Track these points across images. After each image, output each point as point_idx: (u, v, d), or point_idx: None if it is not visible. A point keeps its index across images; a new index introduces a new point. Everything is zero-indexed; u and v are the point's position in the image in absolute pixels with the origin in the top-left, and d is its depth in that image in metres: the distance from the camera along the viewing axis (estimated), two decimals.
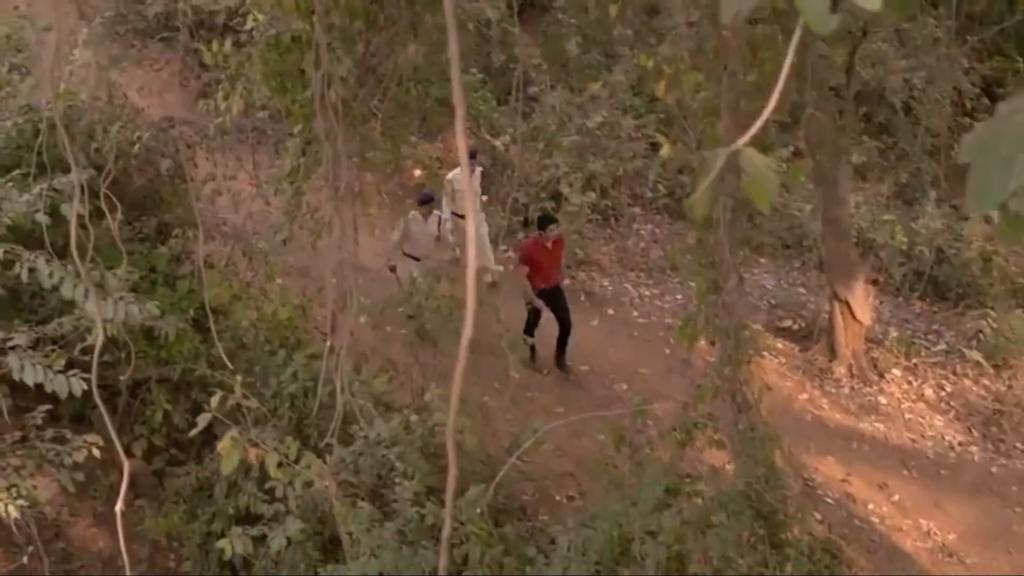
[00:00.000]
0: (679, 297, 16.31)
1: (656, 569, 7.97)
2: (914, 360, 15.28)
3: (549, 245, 13.56)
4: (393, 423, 9.70)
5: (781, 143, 16.67)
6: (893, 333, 15.56)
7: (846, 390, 14.50)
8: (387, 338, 11.85)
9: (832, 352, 14.80)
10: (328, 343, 8.41)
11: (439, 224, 14.51)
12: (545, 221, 13.74)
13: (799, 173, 8.64)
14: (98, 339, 5.98)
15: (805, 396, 14.18)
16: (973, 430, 14.18)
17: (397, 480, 9.03)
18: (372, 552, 8.34)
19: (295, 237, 10.44)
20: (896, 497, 12.75)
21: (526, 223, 17.57)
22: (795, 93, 8.23)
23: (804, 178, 15.61)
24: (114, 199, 7.10)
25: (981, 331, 15.71)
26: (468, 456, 10.05)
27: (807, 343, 15.30)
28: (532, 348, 13.79)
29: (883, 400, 14.43)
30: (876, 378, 14.79)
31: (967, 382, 15.01)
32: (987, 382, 15.05)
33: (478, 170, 15.88)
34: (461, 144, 1.91)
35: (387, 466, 9.43)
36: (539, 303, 13.63)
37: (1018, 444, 13.96)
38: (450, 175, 15.56)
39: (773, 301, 16.53)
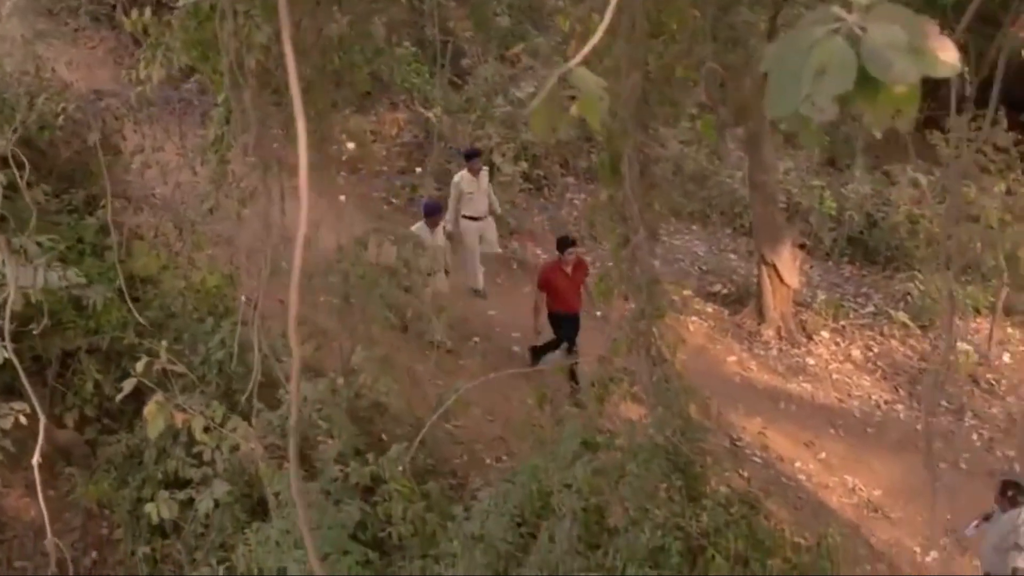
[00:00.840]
0: (610, 264, 16.51)
1: (573, 520, 8.16)
2: (842, 322, 15.59)
3: (568, 270, 12.77)
4: (320, 386, 9.84)
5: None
6: (821, 296, 15.86)
7: (774, 352, 14.78)
8: (316, 305, 11.95)
9: (761, 315, 15.07)
10: (254, 310, 8.55)
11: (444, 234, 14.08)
12: (563, 244, 12.88)
13: (708, 127, 8.81)
14: (9, 301, 6.06)
15: (734, 359, 14.44)
16: (899, 389, 14.51)
17: (322, 440, 9.18)
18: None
19: (221, 206, 10.49)
20: (823, 455, 13.05)
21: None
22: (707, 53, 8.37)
23: (733, 145, 15.94)
24: (40, 170, 7.17)
25: (909, 293, 16.06)
26: (395, 419, 10.21)
27: (737, 307, 15.57)
28: (572, 373, 12.37)
29: (811, 361, 14.73)
30: (804, 340, 15.09)
31: (894, 343, 15.34)
32: (914, 342, 15.39)
33: (484, 171, 15.32)
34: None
35: (313, 428, 9.58)
36: (542, 329, 13.06)
37: (943, 402, 14.29)
38: (456, 177, 15.17)
39: (704, 267, 16.80)
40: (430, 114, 18.62)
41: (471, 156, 15.19)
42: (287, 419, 9.55)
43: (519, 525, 8.52)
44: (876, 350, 15.16)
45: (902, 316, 15.32)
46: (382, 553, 8.94)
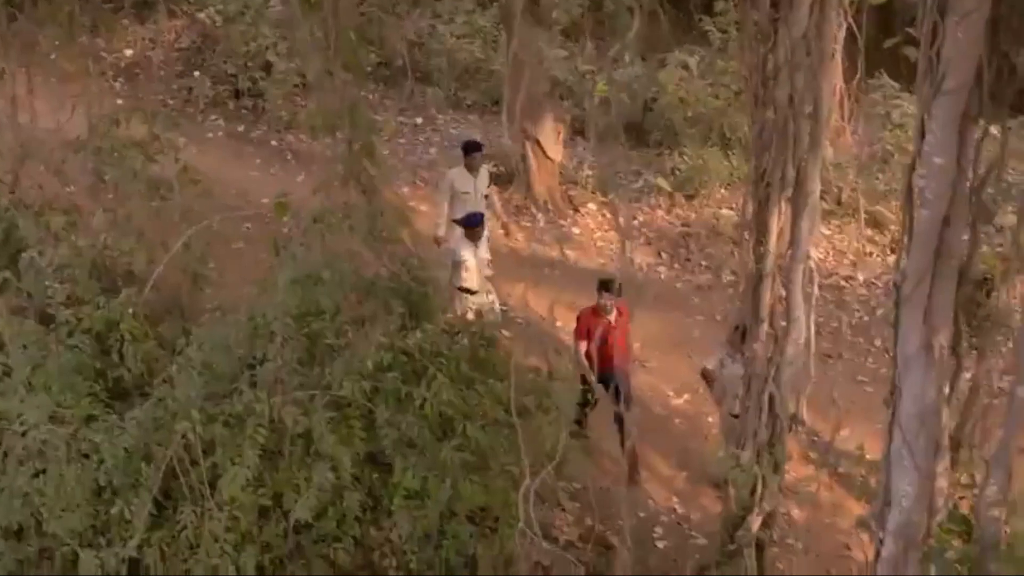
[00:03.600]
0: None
1: (288, 341, 8.29)
2: (611, 196, 15.97)
3: (612, 320, 10.77)
4: (62, 249, 9.87)
5: None
6: (588, 172, 16.22)
7: (541, 224, 15.16)
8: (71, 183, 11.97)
9: (528, 190, 15.38)
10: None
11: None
12: (603, 287, 10.82)
13: None
14: None
15: (502, 232, 14.65)
16: (662, 253, 15.02)
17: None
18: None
19: None
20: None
21: (237, 94, 17.77)
22: None
23: None
24: None
25: (677, 168, 16.52)
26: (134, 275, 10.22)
27: (507, 186, 15.82)
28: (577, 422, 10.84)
29: (577, 231, 15.13)
30: (571, 212, 15.51)
31: (659, 212, 15.83)
32: (679, 211, 15.90)
33: (484, 169, 13.29)
34: None
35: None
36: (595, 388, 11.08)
37: (703, 262, 14.84)
38: (449, 173, 13.29)
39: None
40: (202, 15, 18.58)
41: (470, 149, 13.08)
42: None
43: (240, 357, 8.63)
44: (641, 219, 15.62)
45: (662, 182, 15.77)
46: (117, 394, 9.01)
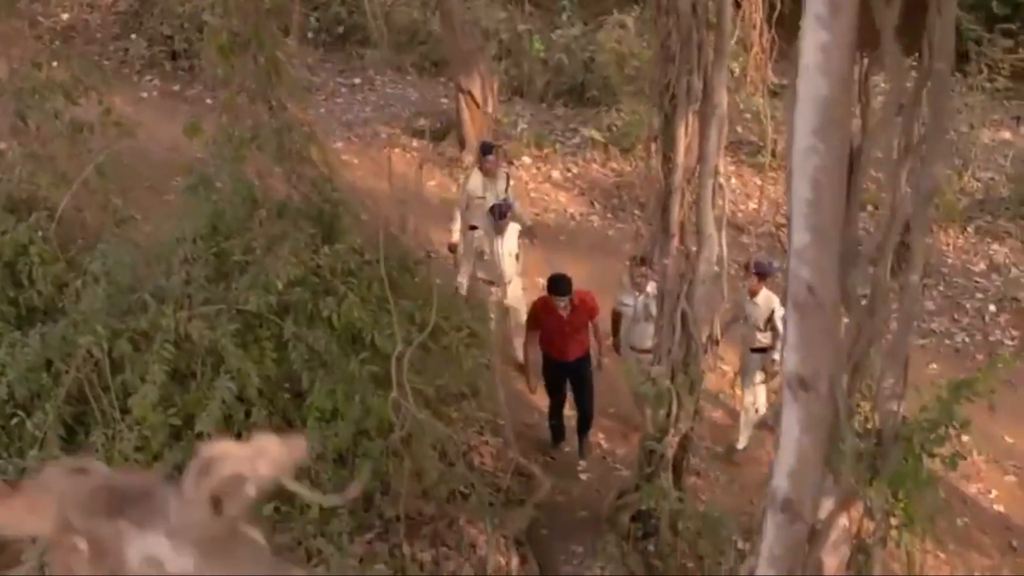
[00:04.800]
0: None
1: (196, 259, 8.24)
2: (546, 151, 16.02)
3: (564, 313, 10.35)
4: None
5: None
6: (524, 126, 16.24)
7: None
8: None
9: (461, 143, 15.37)
10: None
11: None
12: (551, 286, 10.42)
13: None
14: None
15: (434, 182, 14.67)
16: (595, 203, 15.04)
17: None
18: None
19: None
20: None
21: (173, 56, 17.70)
22: None
23: None
24: None
25: (614, 124, 16.56)
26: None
27: (442, 140, 15.82)
28: (552, 429, 11.03)
29: (511, 182, 15.08)
30: (505, 165, 15.44)
31: (594, 165, 15.86)
32: (614, 164, 15.93)
33: (502, 172, 12.62)
34: None
35: None
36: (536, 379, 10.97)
37: (636, 211, 14.88)
38: (465, 178, 12.86)
39: (414, 109, 16.99)
40: None
41: (484, 151, 12.34)
42: None
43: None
44: (576, 171, 15.65)
45: (596, 134, 15.80)
46: (29, 318, 8.96)
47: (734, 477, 10.55)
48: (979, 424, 11.73)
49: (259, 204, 8.79)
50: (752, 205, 15.04)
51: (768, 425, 10.44)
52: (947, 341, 12.89)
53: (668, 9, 8.02)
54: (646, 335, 10.12)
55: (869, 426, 7.36)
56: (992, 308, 13.67)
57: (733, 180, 14.92)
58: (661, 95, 8.33)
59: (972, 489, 11.09)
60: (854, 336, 6.29)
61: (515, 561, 9.14)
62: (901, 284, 7.10)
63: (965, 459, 11.11)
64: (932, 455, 6.99)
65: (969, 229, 15.11)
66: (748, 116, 15.73)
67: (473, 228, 11.91)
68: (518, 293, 11.80)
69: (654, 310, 9.74)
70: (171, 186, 13.94)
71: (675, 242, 8.75)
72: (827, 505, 7.65)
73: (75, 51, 17.53)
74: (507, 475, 9.71)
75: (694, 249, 8.77)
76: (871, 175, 7.70)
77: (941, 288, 13.93)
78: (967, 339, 13.01)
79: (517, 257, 11.65)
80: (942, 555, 10.09)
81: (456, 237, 12.21)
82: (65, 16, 19.06)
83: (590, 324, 10.66)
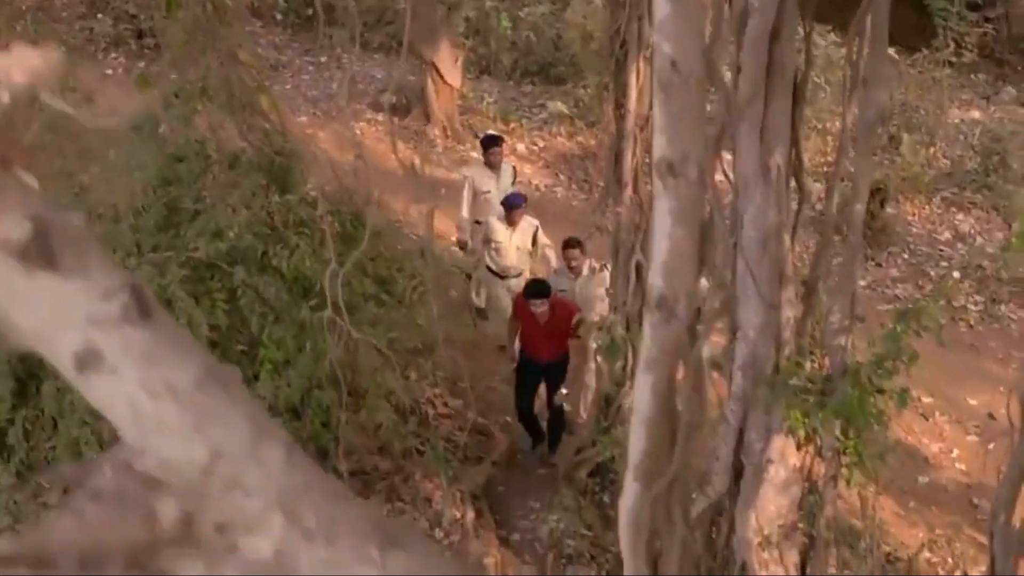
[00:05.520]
0: None
1: (151, 209, 8.18)
2: (512, 125, 15.98)
3: (539, 317, 9.72)
4: None
5: None
6: (490, 100, 16.21)
7: (440, 148, 15.14)
8: None
9: (427, 116, 15.34)
10: None
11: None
12: (528, 290, 9.84)
13: None
14: None
15: (399, 155, 14.61)
16: (560, 175, 15.03)
17: None
18: None
19: None
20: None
21: (139, 34, 17.64)
22: None
23: None
24: None
25: (581, 100, 16.54)
26: None
27: (407, 114, 15.78)
28: (527, 431, 10.49)
29: (475, 155, 15.03)
30: (470, 138, 15.44)
31: (560, 139, 15.85)
32: (580, 138, 15.91)
33: (507, 166, 12.05)
34: None
35: None
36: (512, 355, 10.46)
37: (600, 183, 14.84)
38: (467, 171, 12.38)
39: (381, 87, 16.95)
40: None
41: (488, 144, 11.89)
42: None
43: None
44: (542, 144, 15.63)
45: (562, 107, 15.78)
46: None
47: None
48: (942, 387, 11.86)
49: (211, 159, 8.71)
50: None
51: None
52: (911, 307, 12.87)
53: None
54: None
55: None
56: (956, 275, 13.70)
57: None
58: (612, 41, 8.31)
59: (935, 448, 11.09)
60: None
61: (471, 515, 9.08)
62: (846, 214, 7.10)
63: (914, 400, 11.20)
64: (880, 391, 6.94)
65: (935, 200, 15.16)
66: None
67: (478, 223, 11.56)
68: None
69: (591, 291, 9.70)
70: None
71: (628, 191, 8.72)
72: (776, 444, 7.64)
73: (41, 30, 17.59)
74: (464, 433, 9.64)
75: (648, 198, 8.74)
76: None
77: (906, 256, 13.97)
78: (931, 304, 12.98)
79: (529, 254, 11.27)
80: (902, 512, 10.08)
81: (467, 235, 11.72)
82: None
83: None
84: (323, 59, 17.96)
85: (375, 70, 17.70)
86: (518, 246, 11.07)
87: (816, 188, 11.09)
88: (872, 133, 6.44)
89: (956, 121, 17.02)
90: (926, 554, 9.20)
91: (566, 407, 10.49)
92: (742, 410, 7.47)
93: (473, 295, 11.48)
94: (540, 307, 9.60)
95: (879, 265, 13.72)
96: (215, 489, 1.33)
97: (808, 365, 7.12)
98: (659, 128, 2.12)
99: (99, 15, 18.42)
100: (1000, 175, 15.25)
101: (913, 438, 11.20)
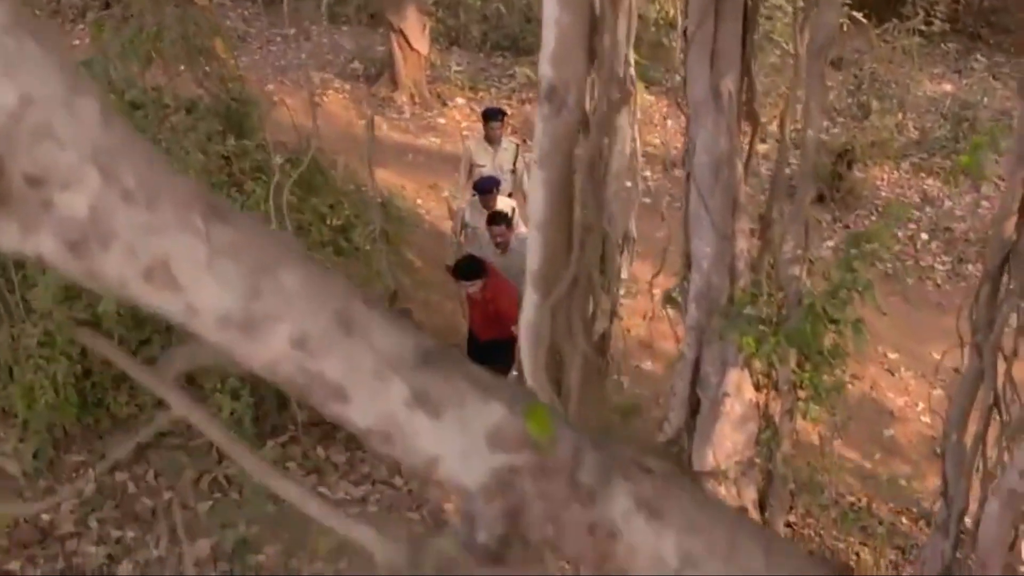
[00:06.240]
0: None
1: None
2: (481, 93, 15.95)
3: (472, 295, 9.27)
4: None
5: None
6: (459, 68, 16.18)
7: (407, 115, 15.07)
8: None
9: (394, 83, 15.30)
10: None
11: None
12: (461, 270, 9.21)
13: None
14: None
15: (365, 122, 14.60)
16: (528, 140, 14.96)
17: None
18: None
19: None
20: (444, 193, 13.35)
21: (107, 5, 17.52)
22: None
23: None
24: None
25: None
26: None
27: (375, 82, 15.74)
28: None
29: (442, 121, 15.06)
30: (438, 105, 15.40)
31: (527, 106, 15.79)
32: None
33: (508, 142, 11.33)
34: None
35: None
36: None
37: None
38: (466, 144, 11.72)
39: (349, 56, 16.91)
40: None
41: (489, 117, 11.20)
42: None
43: None
44: (510, 112, 15.53)
45: (529, 72, 15.74)
46: None
47: (654, 370, 10.51)
48: (908, 344, 11.88)
49: (169, 108, 8.65)
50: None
51: None
52: (878, 264, 12.90)
53: None
54: None
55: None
56: (924, 236, 13.73)
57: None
58: None
59: (900, 402, 11.10)
60: None
61: None
62: (797, 143, 7.08)
63: (880, 356, 11.21)
64: (834, 320, 6.93)
65: (904, 165, 15.20)
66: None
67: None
68: None
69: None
70: None
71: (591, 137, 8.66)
72: (732, 377, 7.63)
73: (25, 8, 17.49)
74: None
75: (606, 142, 8.69)
76: None
77: (874, 218, 13.98)
78: (899, 264, 13.04)
79: (512, 173, 10.91)
80: (868, 464, 10.08)
81: (458, 204, 11.17)
82: None
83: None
84: (291, 31, 17.86)
85: (344, 41, 17.65)
86: (500, 166, 10.69)
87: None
88: (823, 55, 6.42)
89: (928, 94, 17.07)
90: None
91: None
92: (697, 343, 7.46)
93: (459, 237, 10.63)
94: (471, 287, 9.12)
95: (847, 227, 13.74)
96: (25, 135, 1.29)
97: (764, 299, 7.10)
98: None
99: None
100: (970, 141, 15.27)
101: (879, 392, 11.21)
